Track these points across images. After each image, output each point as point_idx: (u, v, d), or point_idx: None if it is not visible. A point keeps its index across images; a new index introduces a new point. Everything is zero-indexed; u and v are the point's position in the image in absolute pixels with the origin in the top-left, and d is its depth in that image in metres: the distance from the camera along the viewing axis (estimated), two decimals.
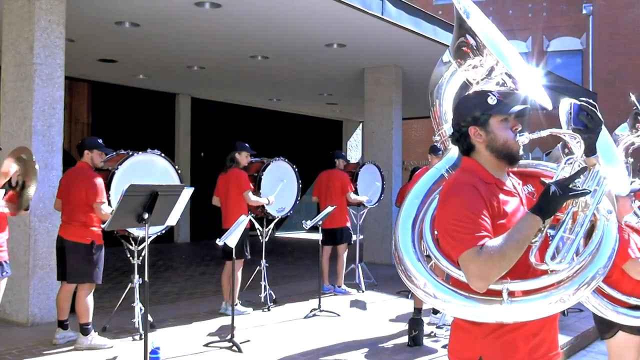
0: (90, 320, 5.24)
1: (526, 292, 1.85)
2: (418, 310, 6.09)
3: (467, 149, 2.08)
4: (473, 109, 2.03)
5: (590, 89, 17.59)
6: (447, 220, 1.91)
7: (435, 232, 2.04)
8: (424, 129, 22.08)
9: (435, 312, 6.41)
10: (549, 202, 1.81)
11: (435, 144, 6.21)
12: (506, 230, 1.85)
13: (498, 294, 1.83)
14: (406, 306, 7.13)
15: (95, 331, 5.30)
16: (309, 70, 11.20)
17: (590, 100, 1.99)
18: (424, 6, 14.25)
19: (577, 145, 2.06)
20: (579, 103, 1.97)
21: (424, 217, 2.11)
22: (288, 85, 12.89)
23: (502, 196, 1.99)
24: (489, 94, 2.03)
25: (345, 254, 8.07)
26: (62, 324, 5.34)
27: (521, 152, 2.02)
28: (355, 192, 8.25)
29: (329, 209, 7.06)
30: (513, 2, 20.53)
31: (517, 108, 2.00)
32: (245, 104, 15.36)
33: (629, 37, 18.28)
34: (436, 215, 2.02)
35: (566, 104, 2.42)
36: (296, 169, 7.44)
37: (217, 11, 7.48)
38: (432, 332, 5.94)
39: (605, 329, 3.23)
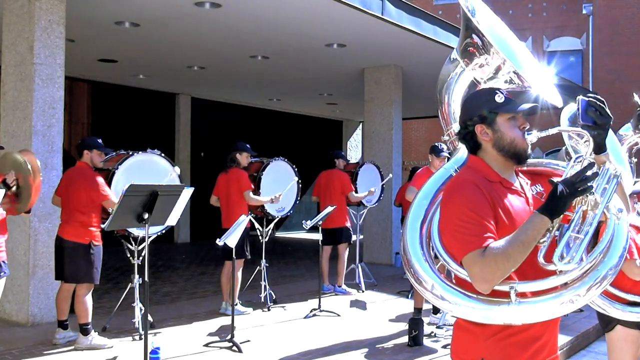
0: (90, 320, 5.24)
1: (535, 293, 1.80)
2: (418, 310, 6.09)
3: (473, 147, 2.03)
4: (480, 107, 1.98)
5: (590, 89, 17.59)
6: (450, 221, 1.87)
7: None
8: (424, 129, 22.10)
9: (435, 312, 6.41)
10: (557, 201, 1.74)
11: (437, 144, 6.26)
12: (510, 230, 1.79)
13: (505, 295, 1.78)
14: (406, 306, 7.13)
15: (95, 331, 5.30)
16: (309, 70, 11.20)
17: (599, 96, 1.91)
18: (424, 6, 14.26)
19: (584, 144, 1.99)
20: (587, 99, 1.89)
21: (432, 218, 2.06)
22: (288, 85, 12.89)
23: (507, 195, 1.93)
24: (497, 91, 1.97)
25: (346, 254, 8.07)
26: (62, 324, 5.34)
27: (529, 151, 1.97)
28: (355, 191, 8.25)
29: (329, 209, 7.05)
30: (513, 2, 20.53)
31: (526, 106, 1.94)
32: (245, 104, 15.36)
33: (629, 37, 18.29)
34: (440, 215, 1.97)
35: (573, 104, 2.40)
36: (296, 169, 7.44)
37: (217, 11, 7.48)
38: (432, 332, 5.94)
39: (605, 323, 3.34)
